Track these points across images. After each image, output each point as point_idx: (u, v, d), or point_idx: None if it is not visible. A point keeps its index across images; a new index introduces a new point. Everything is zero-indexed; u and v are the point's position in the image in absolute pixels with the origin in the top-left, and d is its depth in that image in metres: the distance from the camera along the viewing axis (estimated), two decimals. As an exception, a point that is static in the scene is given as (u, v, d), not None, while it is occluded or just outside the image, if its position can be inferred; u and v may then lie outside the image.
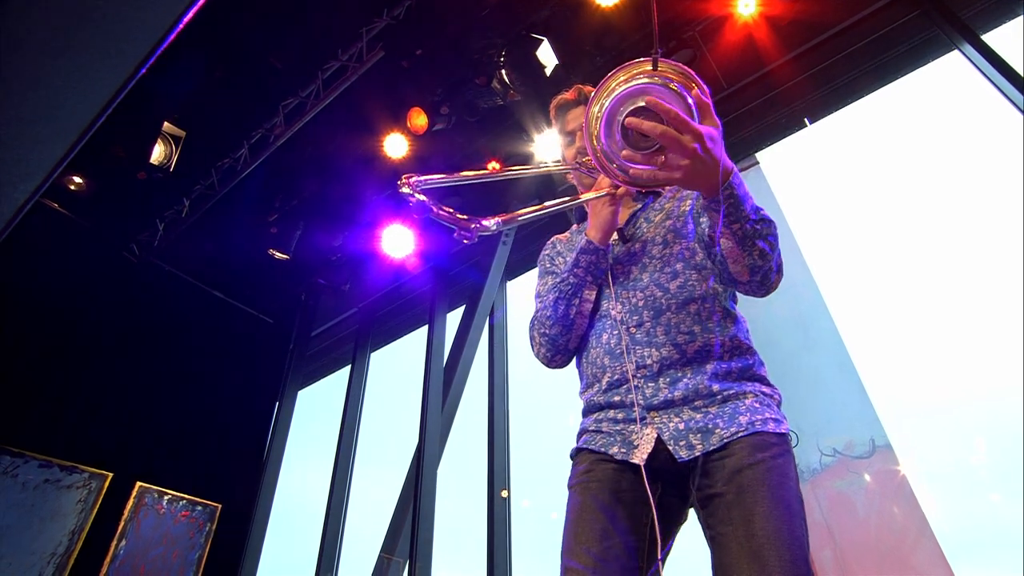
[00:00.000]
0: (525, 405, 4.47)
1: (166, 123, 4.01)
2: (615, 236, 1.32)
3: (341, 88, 3.79)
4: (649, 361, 1.14)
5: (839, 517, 2.78)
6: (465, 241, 0.93)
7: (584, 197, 1.25)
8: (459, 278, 5.11)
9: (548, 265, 1.45)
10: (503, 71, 3.69)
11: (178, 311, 4.65)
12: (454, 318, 4.76)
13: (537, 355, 1.31)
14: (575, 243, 1.44)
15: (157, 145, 3.95)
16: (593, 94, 1.00)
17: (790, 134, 3.82)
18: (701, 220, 1.16)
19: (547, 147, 4.02)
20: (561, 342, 1.26)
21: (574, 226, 1.52)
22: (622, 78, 0.99)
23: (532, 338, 1.31)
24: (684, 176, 0.96)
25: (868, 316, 3.45)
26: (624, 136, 0.97)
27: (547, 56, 3.68)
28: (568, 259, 1.37)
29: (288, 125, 4.05)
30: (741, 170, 3.87)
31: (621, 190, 1.23)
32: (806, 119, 3.76)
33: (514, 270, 4.88)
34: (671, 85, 0.94)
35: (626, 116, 0.95)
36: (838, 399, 3.15)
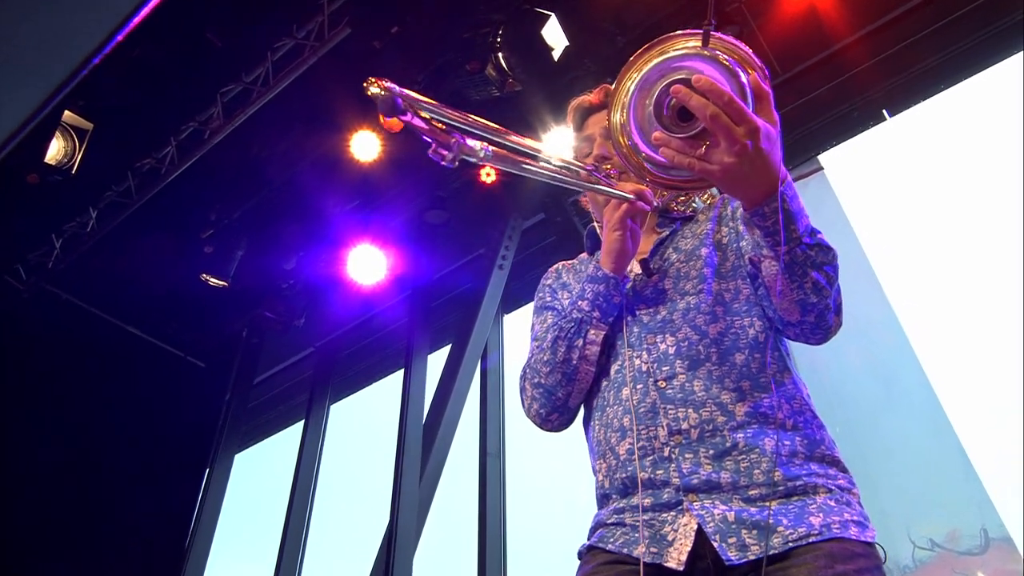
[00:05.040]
0: (527, 475, 4.40)
1: (67, 112, 3.93)
2: (636, 267, 1.32)
3: (296, 73, 3.77)
4: (685, 425, 1.13)
5: (944, 636, 2.67)
6: (443, 163, 0.92)
7: (608, 191, 1.23)
8: (444, 311, 5.09)
9: (548, 299, 1.47)
10: (500, 54, 3.71)
11: (77, 353, 4.58)
12: (437, 361, 4.73)
13: (528, 412, 1.33)
14: (584, 275, 1.44)
15: (54, 140, 3.87)
16: (624, 69, 1.02)
17: (864, 131, 3.78)
18: (743, 241, 1.20)
19: (555, 148, 4.01)
20: (559, 395, 1.27)
21: (583, 255, 1.54)
22: (663, 50, 1.00)
23: (523, 390, 1.33)
24: (724, 175, 0.96)
25: (969, 365, 3.35)
26: (657, 114, 0.98)
27: (555, 36, 3.68)
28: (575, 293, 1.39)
29: (228, 118, 4.02)
30: (799, 178, 3.88)
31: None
32: (885, 111, 3.73)
33: (513, 301, 4.83)
34: (724, 61, 0.95)
35: (666, 88, 0.96)
36: (934, 474, 3.09)
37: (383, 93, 0.85)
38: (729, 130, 0.92)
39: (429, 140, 0.91)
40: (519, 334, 4.71)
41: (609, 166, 1.31)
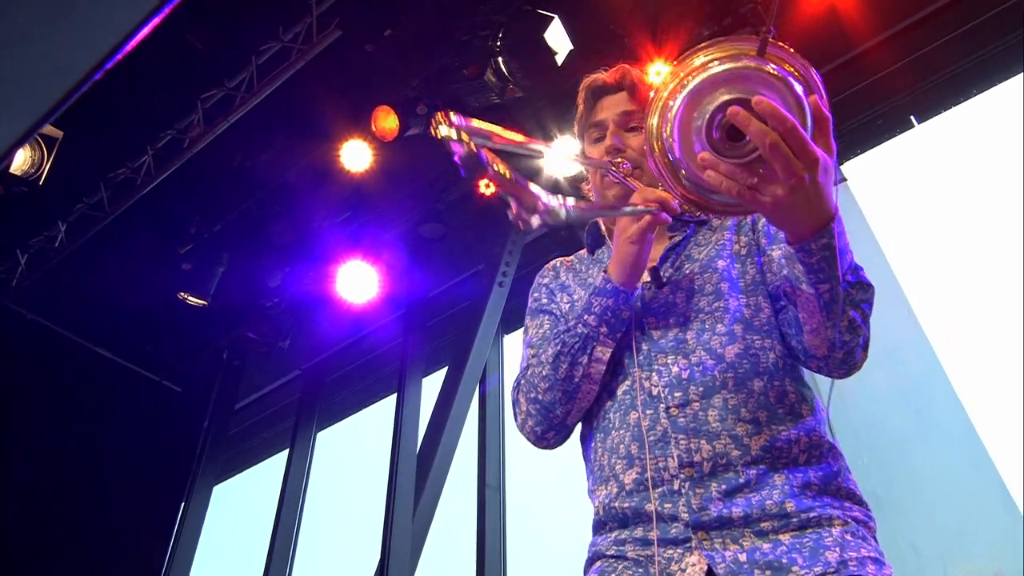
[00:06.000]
0: (529, 509, 4.34)
1: (36, 119, 3.97)
2: (647, 277, 1.31)
3: (283, 78, 3.77)
4: (697, 457, 1.13)
5: None
6: (520, 226, 0.92)
7: (628, 208, 1.20)
8: (440, 330, 5.11)
9: (545, 301, 1.45)
10: (500, 58, 3.69)
11: (42, 378, 4.58)
12: (432, 385, 4.73)
13: (522, 428, 1.32)
14: (586, 277, 1.44)
15: (20, 149, 3.86)
16: (670, 70, 1.00)
17: (890, 138, 3.78)
18: (774, 265, 1.22)
19: (560, 158, 4.00)
20: (558, 413, 1.26)
21: (582, 251, 1.51)
22: (716, 55, 0.97)
23: (516, 403, 1.32)
24: (774, 208, 0.97)
25: (1007, 390, 3.33)
26: (707, 131, 0.95)
27: (558, 39, 3.66)
28: (575, 298, 1.39)
29: (209, 125, 4.03)
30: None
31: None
32: (913, 117, 3.73)
33: (514, 320, 4.82)
34: (789, 82, 0.93)
35: (721, 107, 0.93)
36: (972, 508, 3.03)
37: (466, 149, 0.85)
38: (788, 162, 0.90)
39: (508, 200, 0.92)
40: (520, 355, 4.68)
41: (621, 160, 1.30)
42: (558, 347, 1.25)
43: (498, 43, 3.67)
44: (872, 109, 3.77)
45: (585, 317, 1.24)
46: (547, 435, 1.30)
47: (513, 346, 4.80)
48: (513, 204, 0.91)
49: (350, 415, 5.65)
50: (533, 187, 0.98)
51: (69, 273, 4.58)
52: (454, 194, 4.62)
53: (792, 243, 1.03)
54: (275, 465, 5.77)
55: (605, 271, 1.25)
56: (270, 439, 6.04)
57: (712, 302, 1.25)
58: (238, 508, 6.06)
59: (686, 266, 1.32)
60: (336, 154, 4.09)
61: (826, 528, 1.08)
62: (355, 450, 5.80)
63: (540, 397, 1.26)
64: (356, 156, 4.06)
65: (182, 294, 4.64)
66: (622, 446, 1.20)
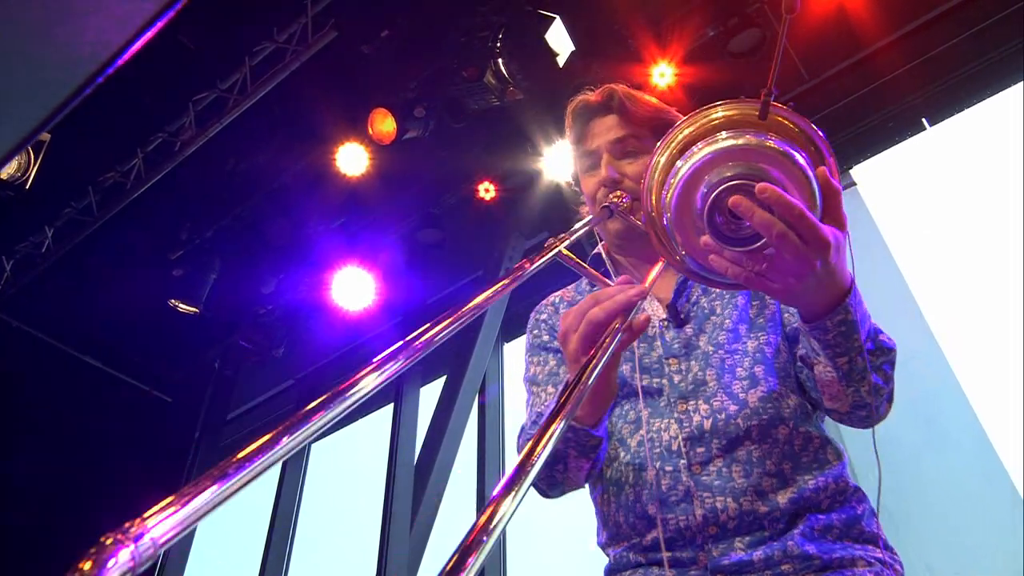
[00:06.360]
0: (531, 523, 4.17)
1: (24, 123, 3.97)
2: (660, 311, 1.29)
3: (277, 79, 3.77)
4: (724, 517, 1.11)
5: None
6: None
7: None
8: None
9: (547, 338, 1.41)
10: (500, 60, 3.68)
11: (28, 388, 4.57)
12: (430, 394, 4.75)
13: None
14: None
15: None
16: (664, 137, 0.97)
17: (901, 141, 3.79)
18: (788, 316, 1.23)
19: (560, 164, 4.03)
20: (557, 481, 1.23)
21: (582, 282, 1.47)
22: (715, 126, 0.93)
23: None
24: (785, 294, 0.95)
25: (1022, 399, 3.30)
26: (710, 215, 0.91)
27: (560, 39, 3.66)
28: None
29: (201, 128, 4.02)
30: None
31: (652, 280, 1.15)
32: (925, 120, 3.72)
33: (514, 328, 4.80)
34: (792, 156, 0.88)
35: (724, 189, 0.89)
36: (986, 524, 3.01)
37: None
38: (797, 250, 0.87)
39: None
40: (521, 364, 4.65)
41: (620, 194, 1.25)
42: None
43: (498, 44, 3.67)
44: (882, 111, 3.77)
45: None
46: (553, 493, 1.26)
47: (514, 354, 4.76)
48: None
49: (345, 426, 5.48)
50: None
51: (56, 280, 4.56)
52: (452, 199, 4.62)
53: (806, 320, 1.02)
54: (268, 477, 5.72)
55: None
56: (263, 451, 6.07)
57: (732, 341, 1.23)
58: (229, 523, 5.93)
59: (703, 300, 1.29)
60: (332, 158, 4.09)
61: (848, 569, 1.08)
62: (351, 462, 5.76)
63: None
64: (352, 160, 4.06)
65: (173, 301, 4.63)
66: (639, 505, 1.17)
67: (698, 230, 0.92)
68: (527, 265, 0.95)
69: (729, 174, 0.89)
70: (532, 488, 1.25)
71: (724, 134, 0.92)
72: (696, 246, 0.93)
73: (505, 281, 0.91)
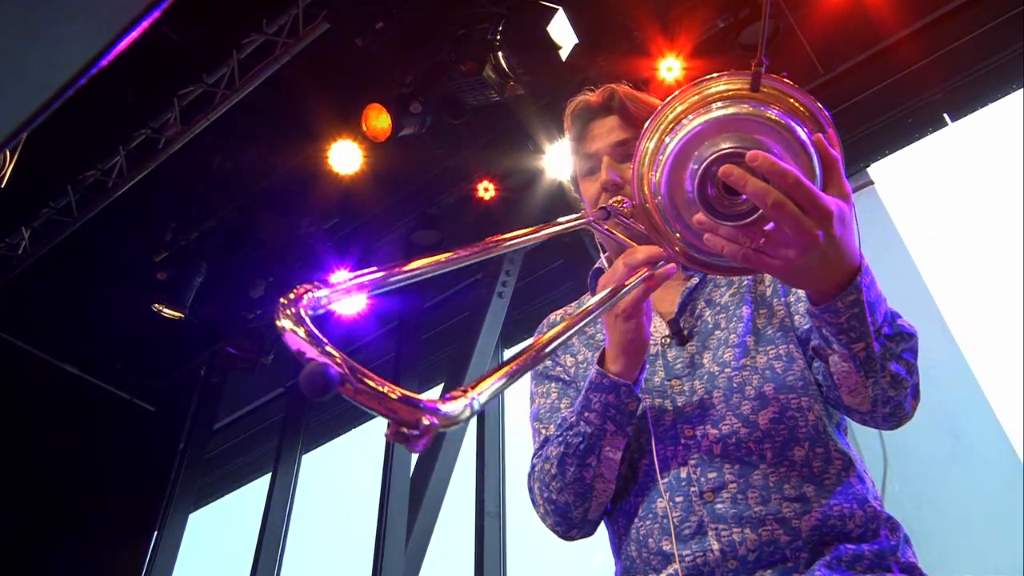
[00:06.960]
0: (531, 538, 4.26)
1: (-4, 117, 3.96)
2: (663, 328, 1.28)
3: (266, 73, 3.76)
4: (742, 550, 1.08)
5: None
6: (410, 450, 0.59)
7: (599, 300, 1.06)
8: (435, 345, 5.17)
9: (550, 363, 1.41)
10: (500, 53, 3.67)
11: (3, 395, 4.53)
12: None
13: (544, 522, 1.29)
14: (593, 333, 1.40)
15: None
16: (652, 118, 0.98)
17: (921, 138, 3.79)
18: (801, 306, 1.18)
19: (562, 161, 4.05)
20: (576, 515, 1.22)
21: (587, 295, 1.47)
22: (703, 99, 0.94)
23: (531, 492, 1.29)
24: (788, 271, 0.92)
25: None
26: (701, 190, 0.90)
27: (563, 32, 3.63)
28: (580, 360, 1.36)
29: (186, 124, 4.02)
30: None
31: (662, 269, 1.11)
32: (946, 115, 3.71)
33: (515, 333, 4.82)
34: (789, 126, 0.87)
35: (714, 161, 0.88)
36: (1013, 539, 2.91)
37: (295, 333, 0.54)
38: (796, 220, 0.85)
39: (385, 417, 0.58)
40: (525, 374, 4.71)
41: (621, 198, 1.22)
42: (562, 448, 1.19)
43: (498, 37, 3.65)
44: (902, 106, 3.77)
45: (586, 415, 1.17)
46: (571, 534, 1.26)
47: (514, 361, 4.81)
48: (390, 419, 0.58)
49: (338, 436, 5.63)
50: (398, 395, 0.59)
51: (33, 283, 4.54)
52: (450, 198, 4.62)
53: (816, 303, 0.99)
54: (256, 490, 5.76)
55: (600, 357, 1.17)
56: (251, 462, 6.02)
57: (739, 357, 1.21)
58: (215, 537, 6.02)
59: (707, 313, 1.28)
60: (324, 155, 4.07)
61: None
62: (343, 474, 5.79)
63: (554, 497, 1.22)
64: (345, 158, 4.05)
65: (156, 306, 4.60)
66: (651, 540, 1.16)
67: (691, 209, 0.92)
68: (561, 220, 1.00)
69: (723, 146, 0.88)
70: (552, 531, 1.29)
71: (716, 105, 0.91)
72: (690, 227, 0.93)
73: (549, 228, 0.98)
